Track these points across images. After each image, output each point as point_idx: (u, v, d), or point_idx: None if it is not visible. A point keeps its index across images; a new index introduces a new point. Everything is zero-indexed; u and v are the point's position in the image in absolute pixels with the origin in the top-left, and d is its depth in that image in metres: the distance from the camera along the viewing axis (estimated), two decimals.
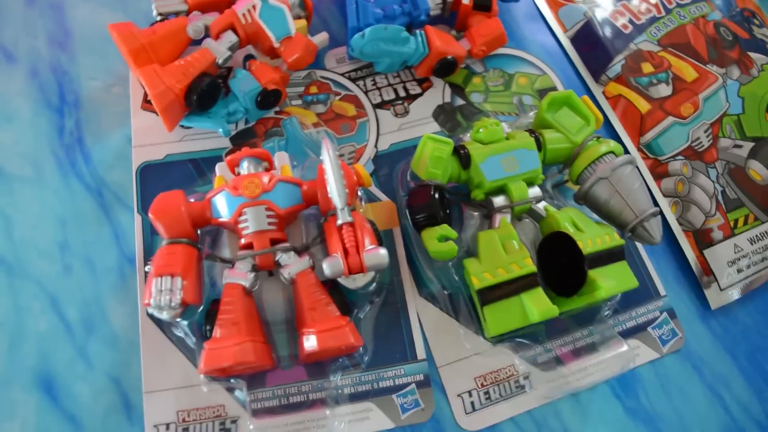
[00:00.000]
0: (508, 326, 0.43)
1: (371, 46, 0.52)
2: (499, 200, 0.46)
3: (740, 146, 0.57)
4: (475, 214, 0.49)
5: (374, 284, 0.46)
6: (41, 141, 0.52)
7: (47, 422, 0.42)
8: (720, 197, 0.55)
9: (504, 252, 0.44)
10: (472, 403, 0.45)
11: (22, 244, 0.48)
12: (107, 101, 0.54)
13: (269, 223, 0.44)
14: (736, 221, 0.55)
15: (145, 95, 0.54)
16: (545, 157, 0.48)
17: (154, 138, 0.52)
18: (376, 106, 0.56)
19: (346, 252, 0.42)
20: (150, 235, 0.48)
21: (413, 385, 0.45)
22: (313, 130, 0.54)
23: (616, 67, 0.59)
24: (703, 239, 0.54)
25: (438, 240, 0.43)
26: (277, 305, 0.46)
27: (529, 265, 0.43)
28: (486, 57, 0.59)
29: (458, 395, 0.45)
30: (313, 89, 0.56)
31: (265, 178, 0.45)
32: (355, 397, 0.44)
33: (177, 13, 0.53)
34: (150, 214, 0.44)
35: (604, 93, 0.59)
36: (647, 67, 0.59)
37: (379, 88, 0.56)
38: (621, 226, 0.46)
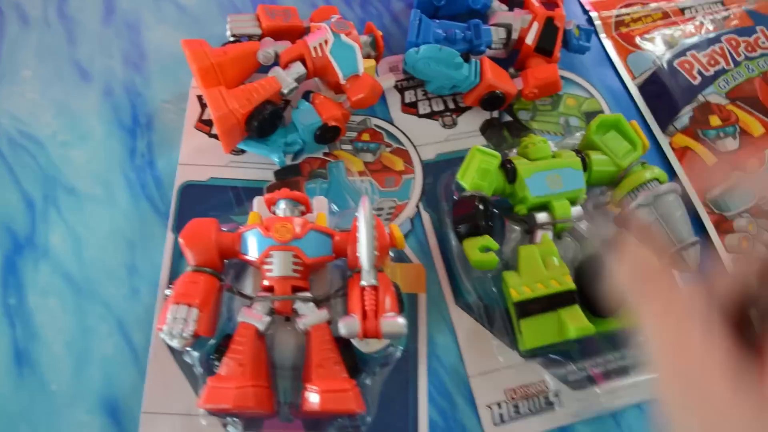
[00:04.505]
0: (544, 340, 0.49)
1: (423, 63, 0.59)
2: (541, 216, 0.52)
3: None
4: (517, 228, 0.55)
5: (388, 349, 0.51)
6: (113, 161, 0.59)
7: None
8: None
9: (544, 267, 0.50)
10: (501, 415, 0.51)
11: (92, 264, 0.54)
12: (179, 125, 0.61)
13: (294, 270, 0.48)
14: None
15: (200, 114, 0.61)
16: (590, 177, 0.54)
17: (201, 159, 0.59)
18: (424, 116, 0.63)
19: (364, 314, 0.46)
20: (178, 256, 0.54)
21: None
22: (358, 179, 0.60)
23: (684, 118, 0.67)
24: None
25: (479, 250, 0.50)
26: (288, 350, 0.51)
27: (569, 283, 0.49)
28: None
29: (487, 406, 0.51)
30: (365, 137, 0.62)
31: (298, 225, 0.49)
32: None
33: (250, 37, 0.61)
34: (180, 239, 0.49)
35: (670, 144, 0.66)
36: (715, 120, 0.67)
37: (429, 99, 0.65)
38: None
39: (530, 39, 0.63)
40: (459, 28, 0.63)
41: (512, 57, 0.67)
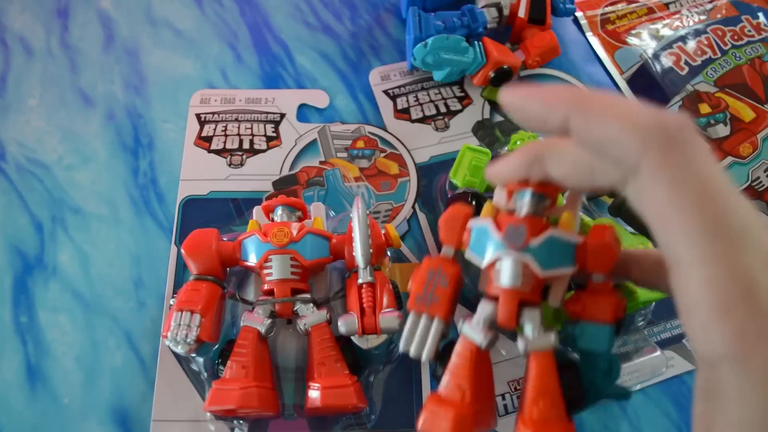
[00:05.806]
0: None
1: (433, 55, 0.61)
2: None
3: None
4: None
5: (390, 345, 0.51)
6: (117, 181, 0.60)
7: None
8: None
9: None
10: (505, 406, 0.51)
11: (99, 280, 0.55)
12: (179, 143, 0.62)
13: (292, 273, 0.49)
14: None
15: (199, 131, 0.62)
16: None
17: (201, 174, 0.60)
18: (417, 121, 0.64)
19: (362, 311, 0.47)
20: (182, 268, 0.55)
21: None
22: (354, 185, 0.60)
23: (674, 108, 0.67)
24: None
25: None
26: (291, 353, 0.52)
27: None
28: (525, 76, 0.68)
29: None
30: (360, 144, 0.63)
31: (295, 229, 0.50)
32: None
33: None
34: (182, 250, 0.50)
35: None
36: (704, 108, 0.67)
37: (421, 104, 0.65)
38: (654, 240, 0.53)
39: (522, 12, 0.65)
40: (455, 15, 0.64)
41: (505, 33, 0.68)
